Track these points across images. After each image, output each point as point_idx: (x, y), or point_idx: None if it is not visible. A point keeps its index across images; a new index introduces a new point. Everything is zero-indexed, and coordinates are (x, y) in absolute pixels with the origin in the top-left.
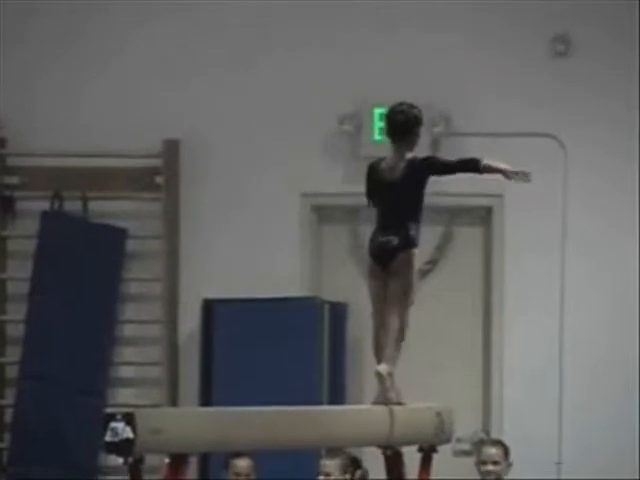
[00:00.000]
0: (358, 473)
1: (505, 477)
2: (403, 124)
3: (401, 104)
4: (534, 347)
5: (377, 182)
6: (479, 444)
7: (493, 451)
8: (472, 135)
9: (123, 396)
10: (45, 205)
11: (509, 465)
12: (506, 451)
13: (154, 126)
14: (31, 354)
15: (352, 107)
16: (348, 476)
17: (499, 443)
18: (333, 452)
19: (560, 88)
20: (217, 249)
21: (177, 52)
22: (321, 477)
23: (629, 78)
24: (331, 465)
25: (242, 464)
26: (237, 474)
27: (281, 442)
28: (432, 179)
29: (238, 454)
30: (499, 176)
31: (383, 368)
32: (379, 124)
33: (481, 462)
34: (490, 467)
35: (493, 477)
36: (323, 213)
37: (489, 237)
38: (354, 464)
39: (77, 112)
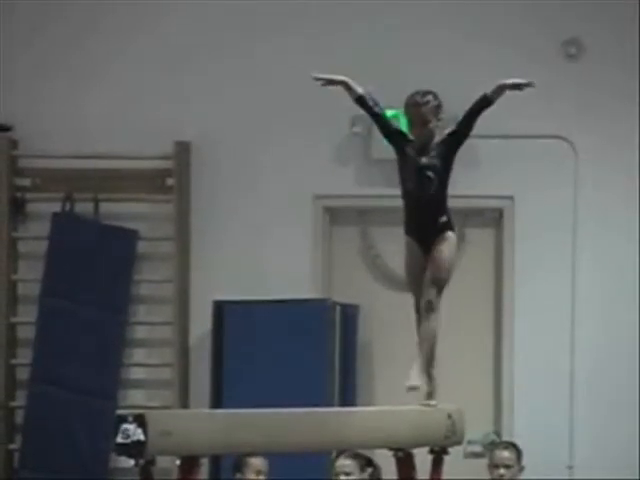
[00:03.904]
0: (369, 471)
1: None
2: None
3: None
4: (545, 348)
5: None
6: (491, 447)
7: (505, 454)
8: (483, 137)
9: (134, 398)
10: (56, 207)
11: (521, 468)
12: (519, 454)
13: (165, 128)
14: (42, 356)
15: None
16: (366, 475)
17: (512, 446)
18: (348, 451)
19: (571, 90)
20: (228, 251)
21: (188, 54)
22: (342, 477)
23: None
24: (351, 465)
25: (259, 462)
26: (257, 472)
27: (292, 444)
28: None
29: (250, 454)
30: (510, 178)
31: None
32: None
33: (493, 465)
34: (502, 470)
35: None
36: (335, 215)
37: (500, 238)
38: (366, 463)
39: (88, 114)
